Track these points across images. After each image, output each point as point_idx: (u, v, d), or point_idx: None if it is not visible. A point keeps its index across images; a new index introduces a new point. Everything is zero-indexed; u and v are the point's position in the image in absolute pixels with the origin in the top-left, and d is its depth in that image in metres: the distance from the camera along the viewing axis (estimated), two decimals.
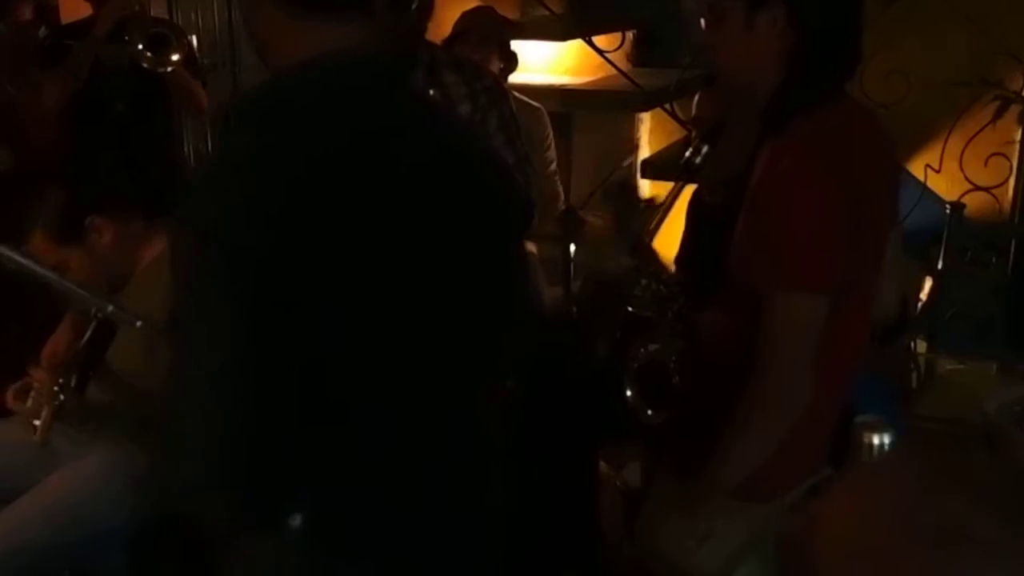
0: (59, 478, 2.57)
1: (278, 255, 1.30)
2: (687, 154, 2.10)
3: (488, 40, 3.53)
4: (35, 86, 3.63)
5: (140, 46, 3.58)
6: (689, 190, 2.76)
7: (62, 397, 2.41)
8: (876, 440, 1.82)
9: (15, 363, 2.77)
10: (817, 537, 0.96)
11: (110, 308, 2.19)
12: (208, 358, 1.31)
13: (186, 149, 4.81)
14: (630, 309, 3.98)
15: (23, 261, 2.01)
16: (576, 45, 4.74)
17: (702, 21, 2.02)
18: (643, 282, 2.16)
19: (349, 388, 1.42)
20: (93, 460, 2.57)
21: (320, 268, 1.34)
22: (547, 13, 4.55)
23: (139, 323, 1.94)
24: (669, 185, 3.91)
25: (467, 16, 3.77)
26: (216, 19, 5.04)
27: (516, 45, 4.51)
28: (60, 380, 2.42)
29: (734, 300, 2.00)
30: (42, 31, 3.49)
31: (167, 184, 4.28)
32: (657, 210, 2.48)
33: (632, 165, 4.73)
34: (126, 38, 3.62)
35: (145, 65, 3.61)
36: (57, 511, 2.51)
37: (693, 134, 2.46)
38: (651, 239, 2.13)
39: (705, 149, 2.07)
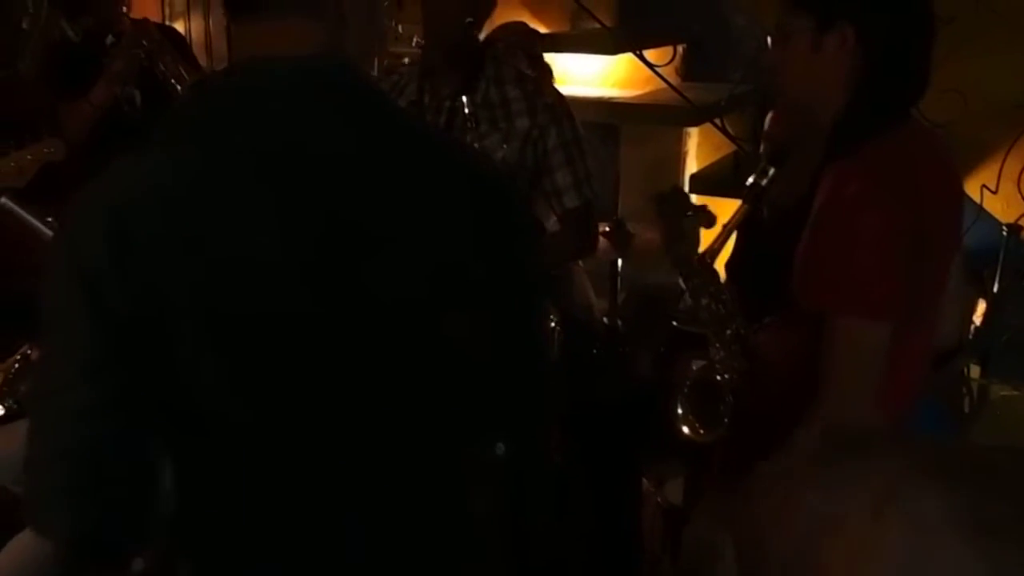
0: None
1: (147, 289, 1.18)
2: (753, 176, 2.07)
3: (513, 50, 3.51)
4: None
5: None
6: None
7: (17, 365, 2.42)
8: None
9: None
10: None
11: None
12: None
13: None
14: (676, 324, 3.97)
15: (38, 223, 1.97)
16: (625, 58, 4.73)
17: (768, 40, 1.99)
18: (703, 301, 2.13)
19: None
20: None
21: (197, 304, 1.20)
22: (597, 26, 4.55)
23: None
24: (717, 199, 3.92)
25: (498, 28, 3.80)
26: None
27: (566, 58, 4.52)
28: (27, 351, 2.44)
29: (793, 321, 1.98)
30: (109, 39, 3.52)
31: None
32: (707, 219, 2.45)
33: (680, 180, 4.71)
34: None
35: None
36: None
37: (762, 150, 2.43)
38: (713, 259, 2.10)
39: (772, 171, 2.05)
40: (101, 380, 1.18)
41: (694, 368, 2.28)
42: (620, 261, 3.68)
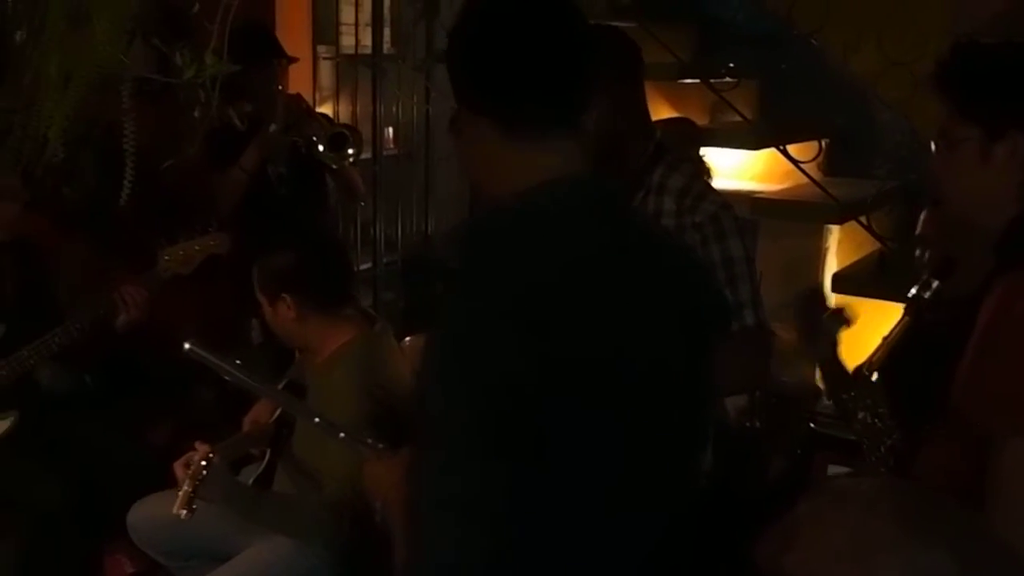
0: (256, 550, 2.69)
1: (521, 380, 1.33)
2: (915, 288, 2.03)
3: (682, 159, 3.37)
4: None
5: (321, 147, 3.76)
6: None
7: (205, 473, 2.51)
8: None
9: (208, 427, 2.88)
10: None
11: (290, 403, 2.25)
12: (450, 479, 1.34)
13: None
14: (813, 426, 3.88)
15: (221, 363, 2.08)
16: (767, 150, 4.71)
17: (932, 146, 1.95)
18: (859, 414, 2.07)
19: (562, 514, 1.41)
20: (283, 538, 2.66)
21: (551, 394, 1.36)
22: (738, 119, 4.54)
23: (316, 420, 1.97)
24: (861, 299, 3.84)
25: (660, 124, 3.70)
26: (415, 112, 5.18)
27: (705, 149, 4.51)
28: (210, 455, 2.53)
29: (954, 436, 1.91)
30: (272, 127, 3.70)
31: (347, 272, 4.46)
32: (845, 321, 2.39)
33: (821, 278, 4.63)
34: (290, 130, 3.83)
35: (331, 165, 3.82)
36: None
37: (917, 254, 2.38)
38: (871, 371, 2.05)
39: (936, 284, 2.00)
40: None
41: (831, 472, 2.24)
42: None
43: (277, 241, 2.78)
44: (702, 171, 3.57)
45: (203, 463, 2.51)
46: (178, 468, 2.55)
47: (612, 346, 1.44)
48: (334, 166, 3.86)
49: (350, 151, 3.81)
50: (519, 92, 1.49)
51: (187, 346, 2.01)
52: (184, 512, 2.49)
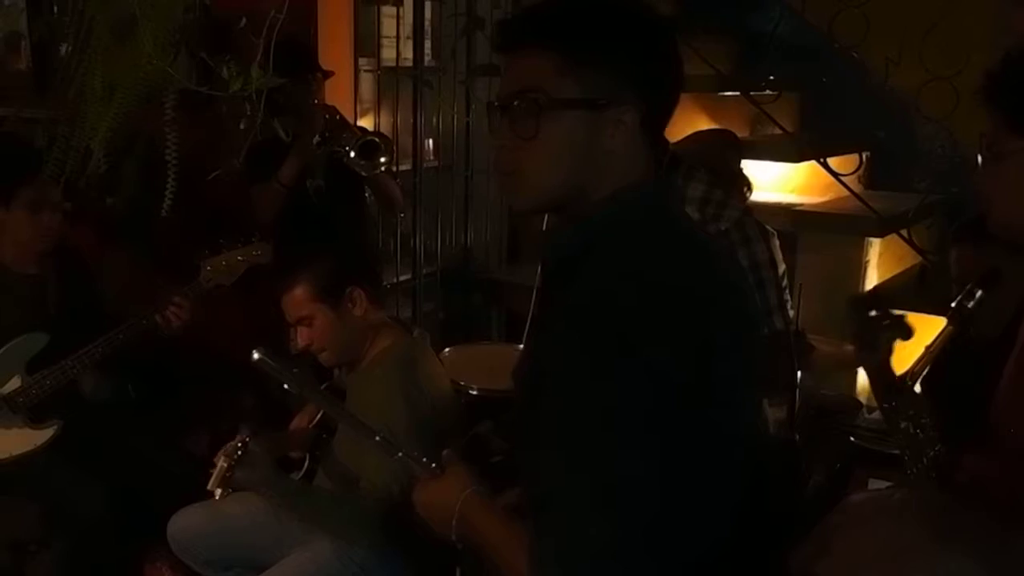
0: (295, 559, 2.69)
1: (683, 378, 1.38)
2: (959, 298, 2.01)
3: (721, 174, 3.25)
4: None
5: (352, 154, 3.78)
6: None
7: (240, 453, 2.52)
8: None
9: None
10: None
11: (352, 421, 2.25)
12: (619, 472, 1.36)
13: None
14: (852, 439, 3.85)
15: (288, 374, 2.10)
16: (807, 163, 4.69)
17: (978, 159, 1.93)
18: (901, 424, 2.06)
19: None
20: (325, 544, 2.66)
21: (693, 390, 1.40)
22: (779, 131, 4.53)
23: (377, 438, 1.96)
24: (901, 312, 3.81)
25: (701, 139, 3.62)
26: (455, 124, 5.20)
27: (744, 162, 4.49)
28: (246, 438, 2.54)
29: (996, 449, 1.89)
30: (315, 139, 3.76)
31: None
32: (905, 332, 2.37)
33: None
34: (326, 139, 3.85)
35: (361, 172, 3.82)
36: None
37: (956, 273, 2.36)
38: (915, 381, 2.04)
39: (979, 294, 1.98)
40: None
41: (871, 487, 2.22)
42: (799, 372, 3.59)
43: (316, 248, 2.78)
44: (743, 184, 3.55)
45: (239, 444, 2.53)
46: (217, 455, 2.57)
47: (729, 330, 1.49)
48: (364, 173, 3.86)
49: (382, 159, 3.83)
50: (670, 80, 1.53)
51: (256, 356, 2.01)
52: (219, 491, 2.50)
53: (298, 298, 2.68)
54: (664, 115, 1.53)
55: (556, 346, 1.42)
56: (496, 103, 1.53)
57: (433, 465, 1.78)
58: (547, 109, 1.45)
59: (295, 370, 2.08)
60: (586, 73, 1.45)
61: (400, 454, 1.87)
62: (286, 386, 2.05)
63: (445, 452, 1.79)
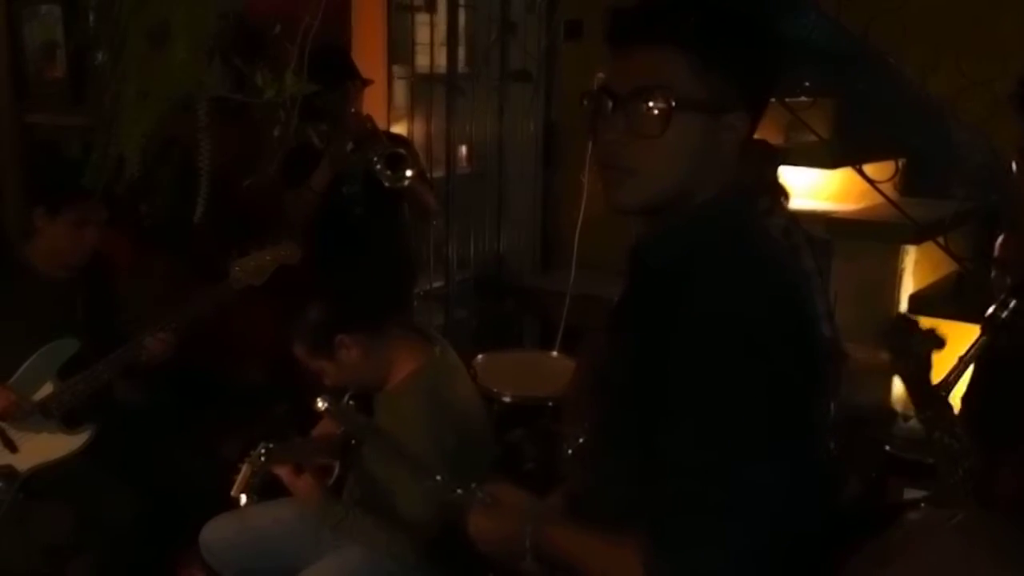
0: (324, 565, 2.71)
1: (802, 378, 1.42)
2: (993, 307, 1.99)
3: (760, 184, 3.28)
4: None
5: (379, 165, 3.77)
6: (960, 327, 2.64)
7: (262, 459, 2.55)
8: None
9: (281, 442, 2.92)
10: None
11: (416, 467, 2.23)
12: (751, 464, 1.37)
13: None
14: (888, 449, 3.81)
15: (356, 420, 2.13)
16: (842, 170, 4.65)
17: (1013, 166, 1.92)
18: (935, 434, 2.04)
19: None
20: (355, 551, 2.67)
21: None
22: (814, 138, 4.49)
23: (437, 477, 1.90)
24: (937, 320, 3.77)
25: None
26: (488, 131, 5.21)
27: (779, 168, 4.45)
28: (269, 444, 2.58)
29: None
30: (349, 146, 3.76)
31: (406, 293, 4.48)
32: (937, 343, 2.35)
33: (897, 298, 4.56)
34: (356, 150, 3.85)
35: (385, 183, 3.80)
36: None
37: (993, 275, 2.33)
38: (948, 391, 2.01)
39: (1013, 303, 1.96)
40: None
41: (907, 496, 2.20)
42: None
43: (304, 304, 2.77)
44: (779, 193, 3.52)
45: (262, 451, 2.56)
46: (242, 462, 2.60)
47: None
48: (388, 184, 3.86)
49: (407, 172, 3.82)
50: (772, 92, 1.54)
51: (321, 405, 1.99)
52: (243, 497, 2.53)
53: (300, 357, 2.72)
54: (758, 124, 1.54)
55: (687, 351, 1.40)
56: (614, 94, 1.47)
57: (488, 499, 1.72)
58: (677, 109, 1.42)
59: (360, 419, 2.13)
60: (714, 77, 1.43)
61: (459, 491, 1.81)
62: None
63: (493, 485, 1.74)
